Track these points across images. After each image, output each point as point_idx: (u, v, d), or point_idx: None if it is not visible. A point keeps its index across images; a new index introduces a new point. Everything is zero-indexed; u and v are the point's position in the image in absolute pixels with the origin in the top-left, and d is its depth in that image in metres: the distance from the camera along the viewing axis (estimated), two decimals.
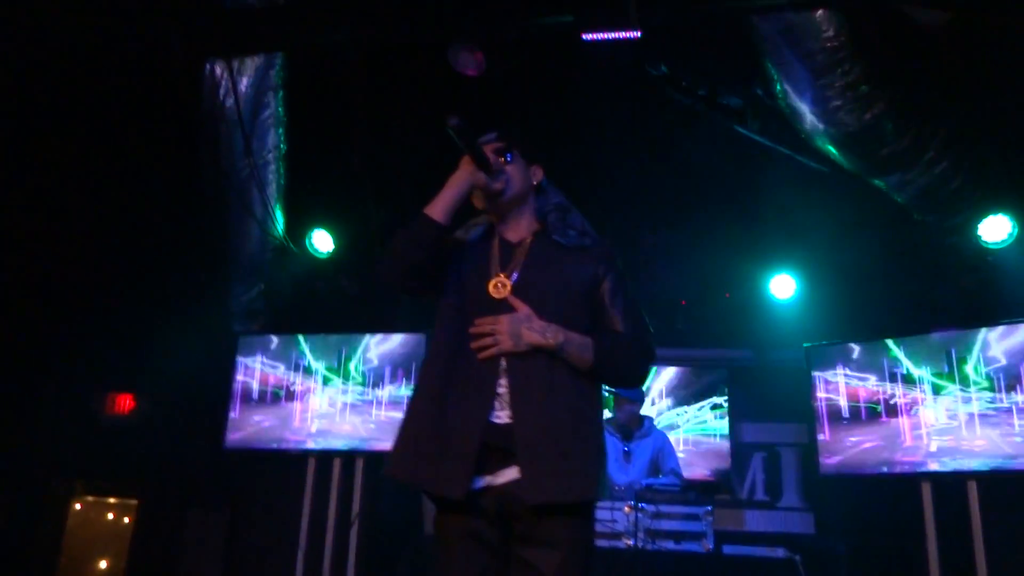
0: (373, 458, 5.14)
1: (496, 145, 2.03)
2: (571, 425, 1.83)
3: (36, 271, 5.80)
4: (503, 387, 1.85)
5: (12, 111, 4.83)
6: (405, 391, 5.10)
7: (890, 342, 4.53)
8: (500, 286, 1.93)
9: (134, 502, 6.22)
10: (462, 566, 1.81)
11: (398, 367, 5.13)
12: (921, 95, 4.31)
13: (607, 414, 4.99)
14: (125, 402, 6.31)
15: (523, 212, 2.06)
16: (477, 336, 1.88)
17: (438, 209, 1.91)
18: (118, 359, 6.09)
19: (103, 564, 6.18)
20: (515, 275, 1.94)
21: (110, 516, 6.38)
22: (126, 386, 6.29)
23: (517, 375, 1.84)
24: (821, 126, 4.26)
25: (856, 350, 4.64)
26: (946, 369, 4.31)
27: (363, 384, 5.17)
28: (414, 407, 1.93)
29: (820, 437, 4.64)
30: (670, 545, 3.96)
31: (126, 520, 6.24)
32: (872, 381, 4.54)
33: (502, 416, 1.83)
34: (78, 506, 6.26)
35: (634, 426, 4.80)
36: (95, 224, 5.63)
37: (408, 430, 1.91)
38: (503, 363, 1.86)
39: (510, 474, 1.81)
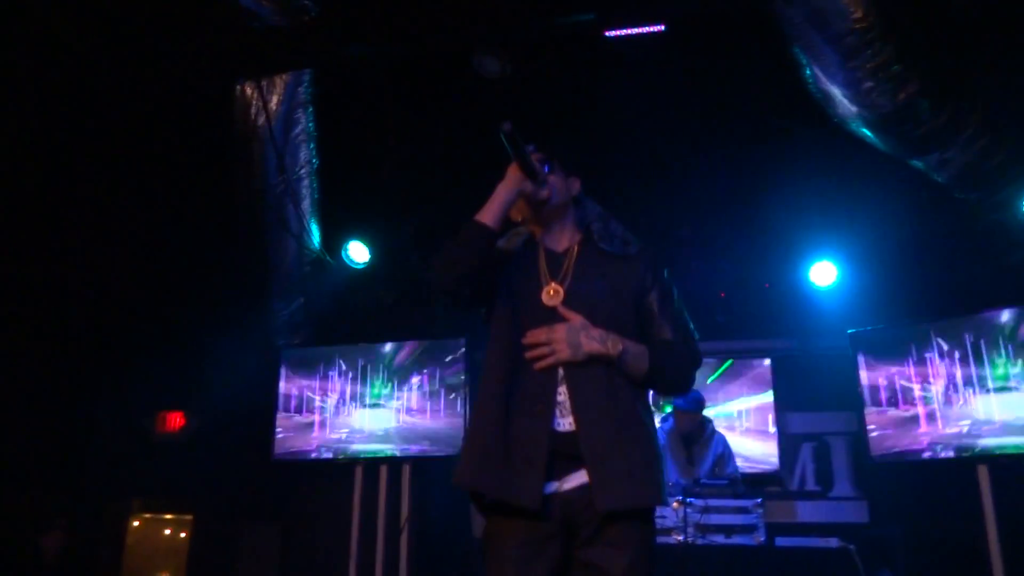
0: (419, 464, 5.19)
1: (537, 156, 2.04)
2: (634, 431, 1.85)
3: (82, 298, 5.97)
4: (562, 395, 1.86)
5: (54, 142, 4.98)
6: (445, 397, 5.14)
7: (936, 324, 4.44)
8: (554, 293, 1.94)
9: (189, 517, 6.36)
10: (520, 572, 1.79)
11: (436, 373, 5.17)
12: (956, 71, 4.21)
13: (658, 421, 4.99)
14: (175, 420, 6.46)
15: (565, 222, 2.07)
16: (532, 345, 1.89)
17: (489, 215, 1.91)
18: (166, 379, 6.23)
19: None
20: (566, 283, 1.95)
21: (167, 532, 6.52)
22: (175, 404, 6.44)
23: (576, 383, 1.86)
24: (854, 109, 4.19)
25: (902, 334, 4.55)
26: (996, 348, 4.20)
27: (405, 391, 5.22)
28: (478, 418, 1.94)
29: (869, 424, 4.56)
30: (721, 539, 3.92)
31: (183, 535, 6.38)
32: (920, 364, 4.45)
33: (564, 424, 1.85)
34: (136, 523, 6.42)
35: (696, 433, 4.74)
36: (135, 249, 5.77)
37: (475, 441, 1.91)
38: (560, 372, 1.87)
39: (578, 479, 1.82)
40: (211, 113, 4.95)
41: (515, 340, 1.92)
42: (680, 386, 2.03)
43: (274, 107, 4.73)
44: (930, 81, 4.06)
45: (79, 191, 5.41)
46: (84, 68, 4.45)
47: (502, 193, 1.95)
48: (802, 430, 5.74)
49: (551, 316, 1.91)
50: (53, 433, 6.18)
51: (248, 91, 4.71)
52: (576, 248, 2.03)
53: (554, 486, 1.83)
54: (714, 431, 4.82)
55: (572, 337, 1.85)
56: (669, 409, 4.94)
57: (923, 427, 4.37)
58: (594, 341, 1.85)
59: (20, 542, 5.64)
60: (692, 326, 2.02)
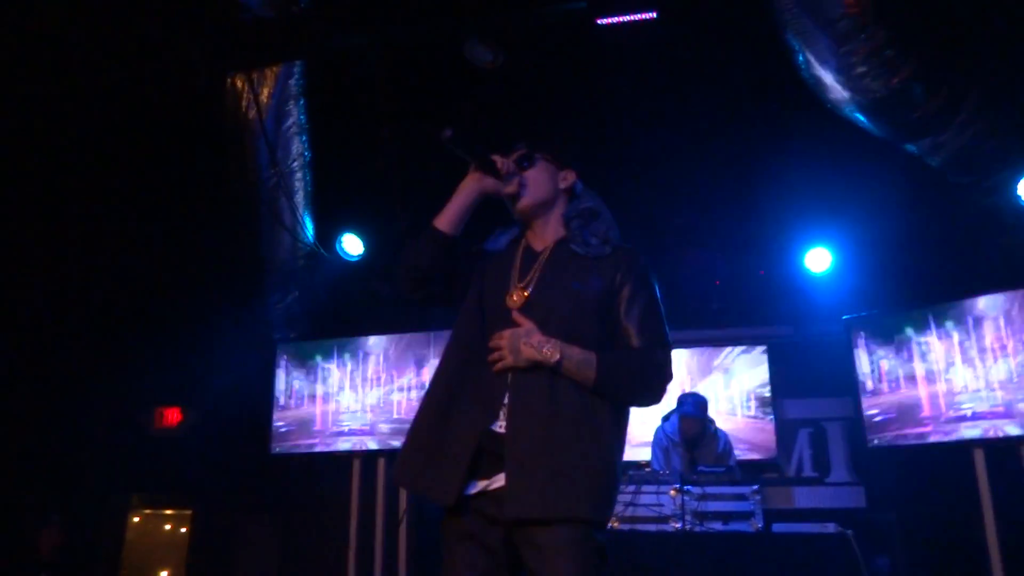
0: None
1: (519, 152, 2.02)
2: (571, 442, 1.76)
3: (78, 294, 5.96)
4: (507, 399, 1.83)
5: (46, 139, 4.96)
6: None
7: (931, 309, 4.44)
8: (516, 298, 1.91)
9: (188, 512, 6.36)
10: (461, 568, 1.81)
11: (433, 365, 5.15)
12: (950, 55, 4.19)
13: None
14: (173, 415, 6.46)
15: (548, 219, 2.03)
16: (480, 347, 1.89)
17: (444, 219, 1.93)
18: (163, 374, 6.22)
19: (164, 574, 6.33)
20: (531, 287, 1.92)
21: (167, 527, 6.53)
22: (173, 400, 6.44)
23: (519, 389, 1.82)
24: (847, 94, 4.17)
25: (897, 319, 4.56)
26: (991, 332, 4.21)
27: (401, 383, 5.22)
28: (419, 414, 1.92)
29: (866, 409, 4.57)
30: (718, 526, 3.93)
31: (183, 530, 6.39)
32: (915, 349, 4.46)
33: (503, 427, 1.81)
34: (136, 519, 6.42)
35: (699, 436, 4.75)
36: (129, 245, 5.75)
37: (411, 436, 1.90)
38: (510, 377, 1.84)
39: (502, 480, 1.78)
40: (202, 107, 4.93)
41: (475, 338, 1.91)
42: (639, 398, 1.89)
43: (265, 100, 4.72)
44: (923, 65, 4.05)
45: (74, 188, 5.39)
46: (76, 65, 4.43)
47: (459, 194, 1.95)
48: (799, 416, 5.75)
49: (511, 320, 1.87)
50: (50, 429, 6.17)
51: (239, 84, 4.69)
52: (550, 249, 1.99)
53: (480, 484, 1.81)
54: (716, 431, 4.83)
55: (514, 343, 1.82)
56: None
57: (920, 412, 4.38)
58: (531, 347, 1.80)
59: (17, 538, 5.64)
60: (665, 332, 1.90)
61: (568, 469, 1.74)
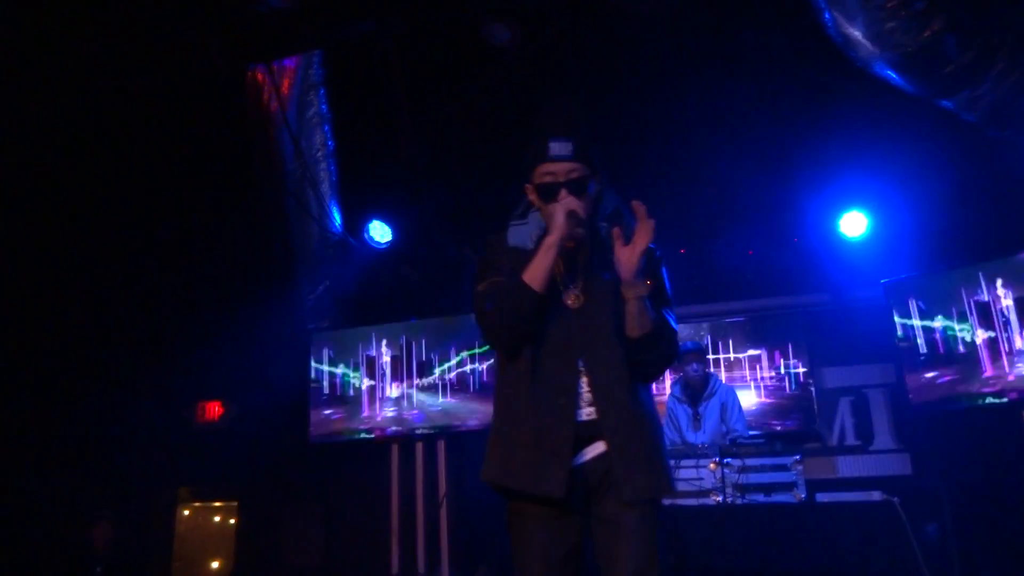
0: (453, 438, 5.21)
1: (572, 170, 2.03)
2: (646, 418, 2.00)
3: (119, 297, 6.07)
4: (584, 386, 1.99)
5: (76, 144, 5.03)
6: (474, 371, 5.14)
7: (971, 269, 4.31)
8: (574, 300, 2.05)
9: (235, 503, 6.48)
10: (540, 547, 1.93)
11: (463, 349, 5.17)
12: (981, 5, 4.04)
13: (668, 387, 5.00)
14: (214, 409, 6.57)
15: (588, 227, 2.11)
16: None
17: (537, 281, 1.98)
18: (202, 369, 6.33)
19: (215, 564, 6.47)
20: (581, 289, 2.06)
21: (216, 519, 6.67)
22: (213, 394, 6.55)
23: (596, 378, 1.98)
24: (877, 50, 4.04)
25: (936, 280, 4.44)
26: None
27: (433, 367, 5.23)
28: (503, 414, 2.04)
29: (908, 374, 4.46)
30: (760, 498, 3.88)
31: (231, 521, 6.51)
32: (955, 311, 4.34)
33: (584, 414, 1.98)
34: (186, 512, 6.56)
35: (701, 388, 4.77)
36: (162, 247, 5.83)
37: (500, 437, 2.03)
38: (581, 364, 1.99)
39: (596, 450, 1.96)
40: (225, 101, 4.95)
41: (536, 337, 2.01)
42: (660, 364, 2.09)
43: (286, 91, 4.73)
44: (954, 17, 3.90)
45: (109, 189, 5.47)
46: (100, 65, 4.47)
47: (546, 255, 1.99)
48: (839, 384, 5.63)
49: (570, 315, 2.03)
50: (98, 428, 6.33)
51: (259, 76, 4.70)
52: (588, 249, 2.10)
53: (576, 460, 1.96)
54: (718, 384, 4.84)
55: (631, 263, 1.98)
56: None
57: (962, 374, 4.26)
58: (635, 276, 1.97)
59: (70, 535, 5.80)
60: (674, 320, 2.12)
61: (655, 453, 1.99)
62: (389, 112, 5.25)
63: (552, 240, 1.97)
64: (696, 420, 4.72)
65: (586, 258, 2.09)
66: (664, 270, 2.14)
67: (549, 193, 2.03)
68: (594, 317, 2.03)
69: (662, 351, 2.03)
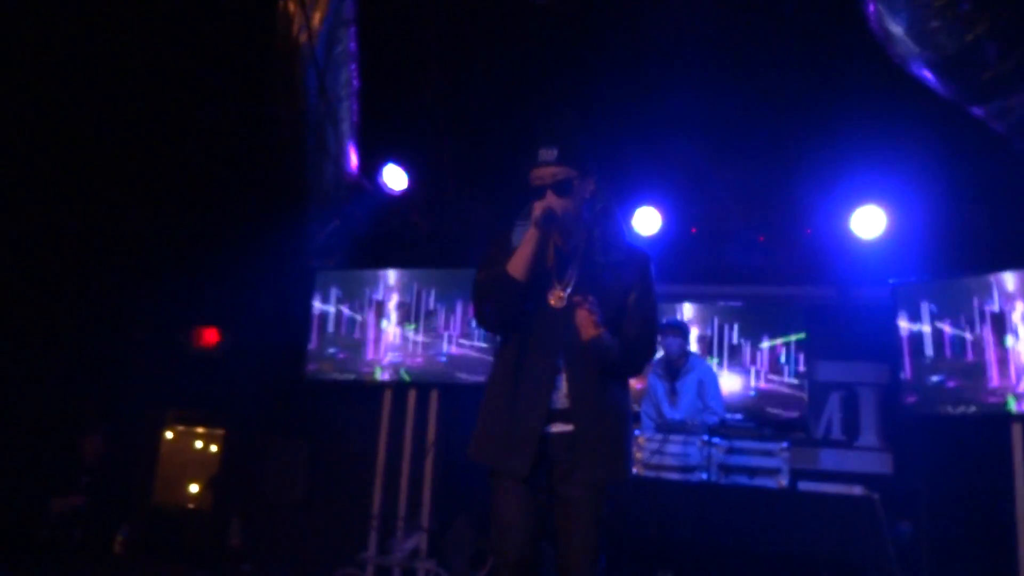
0: (447, 389, 5.25)
1: (556, 173, 2.24)
2: (614, 411, 2.26)
3: (121, 214, 6.05)
4: (562, 382, 2.25)
5: (92, 56, 4.97)
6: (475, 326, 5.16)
7: (982, 277, 4.33)
8: (556, 301, 2.28)
9: (221, 431, 6.54)
10: (513, 506, 2.22)
11: (469, 302, 5.17)
12: None
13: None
14: (211, 335, 6.59)
15: (577, 221, 2.33)
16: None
17: (519, 270, 2.23)
18: (203, 295, 6.33)
19: (194, 488, 6.54)
20: (569, 290, 2.28)
21: (199, 444, 6.72)
22: (211, 320, 6.56)
23: (574, 373, 2.24)
24: (917, 49, 4.01)
25: (945, 286, 4.45)
26: None
27: (435, 318, 5.25)
28: (488, 398, 2.33)
29: (903, 376, 4.50)
30: (744, 480, 3.94)
31: (213, 448, 6.57)
32: (961, 318, 4.36)
33: (559, 401, 2.25)
34: (170, 435, 6.62)
35: (680, 363, 4.83)
36: (173, 165, 5.80)
37: (483, 418, 2.33)
38: (560, 362, 2.25)
39: (564, 427, 2.24)
40: (253, 29, 4.89)
41: (525, 330, 2.27)
42: (633, 372, 2.42)
43: (317, 24, 4.66)
44: (999, 23, 3.86)
45: (119, 106, 5.42)
46: None
47: (527, 247, 2.24)
48: (831, 378, 5.68)
49: (556, 314, 2.26)
50: (95, 345, 6.36)
51: (292, 6, 4.64)
52: (580, 254, 2.33)
53: (544, 430, 2.24)
54: (696, 361, 4.91)
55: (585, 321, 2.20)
56: None
57: (958, 382, 4.30)
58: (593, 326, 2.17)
59: (61, 443, 5.86)
60: (658, 324, 2.46)
61: (616, 443, 2.26)
62: (417, 57, 5.19)
63: (530, 233, 2.23)
64: (672, 395, 4.79)
65: (577, 264, 2.31)
66: (652, 272, 2.36)
67: (537, 194, 2.26)
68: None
69: (634, 364, 2.34)
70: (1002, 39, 3.91)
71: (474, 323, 2.34)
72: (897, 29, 3.98)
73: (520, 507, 2.21)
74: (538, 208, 2.21)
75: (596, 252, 2.31)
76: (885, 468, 5.34)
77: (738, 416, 5.33)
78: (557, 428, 2.24)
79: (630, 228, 5.48)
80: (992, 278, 4.30)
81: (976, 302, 4.34)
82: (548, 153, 2.26)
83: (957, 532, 4.75)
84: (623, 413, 2.31)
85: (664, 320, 4.83)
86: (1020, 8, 3.96)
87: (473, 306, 2.38)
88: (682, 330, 4.89)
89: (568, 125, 2.32)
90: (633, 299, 2.31)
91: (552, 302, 2.28)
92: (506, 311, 2.27)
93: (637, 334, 2.29)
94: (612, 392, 2.28)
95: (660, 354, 4.91)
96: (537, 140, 2.29)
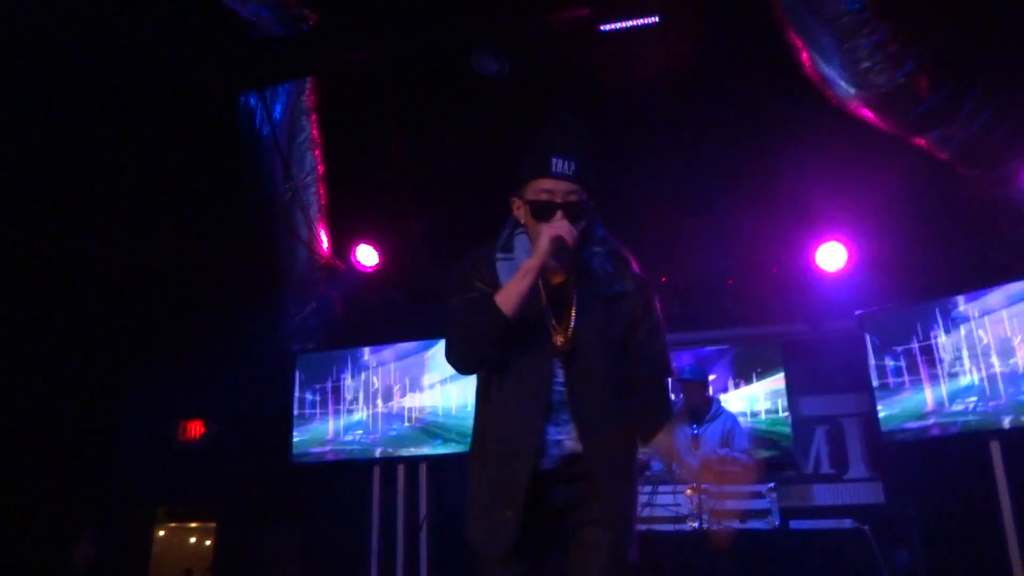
0: (435, 463, 5.23)
1: (571, 193, 1.89)
2: (628, 455, 1.99)
3: (99, 311, 6.07)
4: (573, 436, 1.92)
5: (66, 162, 5.08)
6: (458, 395, 5.18)
7: (938, 303, 4.44)
8: (562, 343, 1.91)
9: (213, 524, 6.46)
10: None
11: (450, 371, 5.18)
12: (954, 46, 4.20)
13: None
14: (195, 428, 6.56)
15: (577, 256, 1.96)
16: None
17: (510, 306, 1.85)
18: (185, 388, 6.32)
19: None
20: (570, 333, 1.91)
21: (192, 540, 6.64)
22: (195, 413, 6.54)
23: (585, 427, 1.90)
24: (853, 90, 4.20)
25: (907, 313, 4.56)
26: (1004, 323, 4.20)
27: (419, 391, 5.27)
28: (476, 470, 1.99)
29: (879, 404, 4.56)
30: (735, 524, 3.95)
31: (207, 542, 6.49)
32: (928, 342, 4.45)
33: (569, 450, 1.93)
34: (162, 532, 6.53)
35: (703, 409, 4.77)
36: (149, 262, 5.86)
37: (471, 486, 1.99)
38: (570, 406, 1.91)
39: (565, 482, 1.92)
40: (217, 125, 5.02)
41: (514, 369, 1.92)
42: (654, 431, 2.04)
43: (278, 116, 4.81)
44: (928, 58, 4.06)
45: (94, 206, 5.51)
46: (94, 86, 4.53)
47: (524, 279, 1.85)
48: (815, 413, 5.73)
49: (552, 354, 1.91)
50: (77, 446, 6.30)
51: (252, 101, 4.78)
52: (575, 286, 1.95)
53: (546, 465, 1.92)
54: (721, 409, 4.85)
55: None
56: None
57: (933, 404, 4.37)
58: None
59: (51, 554, 5.75)
60: (671, 361, 2.08)
61: (631, 476, 1.98)
62: (378, 138, 5.33)
63: (532, 264, 1.84)
64: (695, 440, 4.65)
65: (576, 293, 1.94)
66: (658, 309, 2.04)
67: (543, 212, 1.87)
68: (583, 371, 1.91)
69: (650, 426, 2.01)
70: (933, 73, 4.10)
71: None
72: (831, 73, 4.17)
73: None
74: (545, 236, 1.83)
75: (600, 284, 1.95)
76: (877, 498, 5.35)
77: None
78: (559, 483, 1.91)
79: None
80: (949, 300, 4.41)
81: (941, 325, 4.44)
82: (565, 165, 1.87)
83: (953, 555, 4.75)
84: (636, 467, 2.03)
85: (681, 377, 4.77)
86: (946, 42, 4.17)
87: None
88: (702, 383, 4.81)
89: (587, 139, 1.95)
90: (641, 335, 1.97)
91: (558, 344, 1.90)
92: (485, 350, 1.89)
93: (651, 376, 2.00)
94: (628, 445, 1.98)
95: (680, 403, 4.83)
96: (550, 147, 1.89)
